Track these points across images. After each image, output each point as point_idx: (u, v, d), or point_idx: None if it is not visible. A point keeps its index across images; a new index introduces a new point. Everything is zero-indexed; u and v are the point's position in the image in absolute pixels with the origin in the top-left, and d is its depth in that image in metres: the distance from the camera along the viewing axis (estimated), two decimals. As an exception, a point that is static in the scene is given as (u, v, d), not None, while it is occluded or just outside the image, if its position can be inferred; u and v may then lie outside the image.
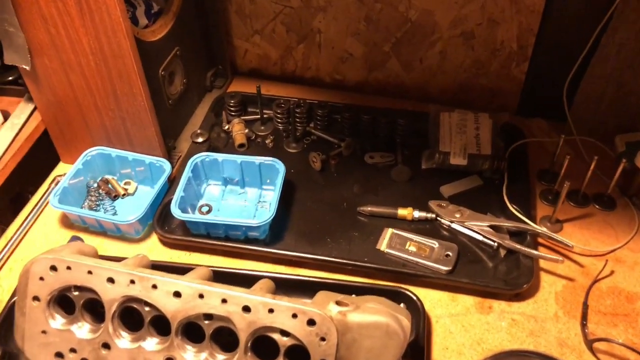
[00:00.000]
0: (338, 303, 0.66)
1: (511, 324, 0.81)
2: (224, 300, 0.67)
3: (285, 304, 0.66)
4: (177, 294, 0.68)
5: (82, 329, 0.71)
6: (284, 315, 0.65)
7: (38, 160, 1.04)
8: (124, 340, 0.70)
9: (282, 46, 1.16)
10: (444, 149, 1.00)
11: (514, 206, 0.92)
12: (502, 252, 0.88)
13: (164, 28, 0.95)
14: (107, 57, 0.83)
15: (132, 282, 0.69)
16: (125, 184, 0.99)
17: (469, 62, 1.08)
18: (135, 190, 0.99)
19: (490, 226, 0.90)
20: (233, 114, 1.10)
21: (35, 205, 0.95)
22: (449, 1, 1.00)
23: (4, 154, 0.94)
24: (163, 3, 0.97)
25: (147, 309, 0.69)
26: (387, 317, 0.65)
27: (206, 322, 0.68)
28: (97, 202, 0.96)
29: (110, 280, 0.69)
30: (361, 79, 1.17)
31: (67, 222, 0.95)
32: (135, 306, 0.70)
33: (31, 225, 0.94)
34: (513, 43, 1.03)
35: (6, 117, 0.98)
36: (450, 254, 0.87)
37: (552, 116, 1.08)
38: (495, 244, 0.88)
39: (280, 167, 0.93)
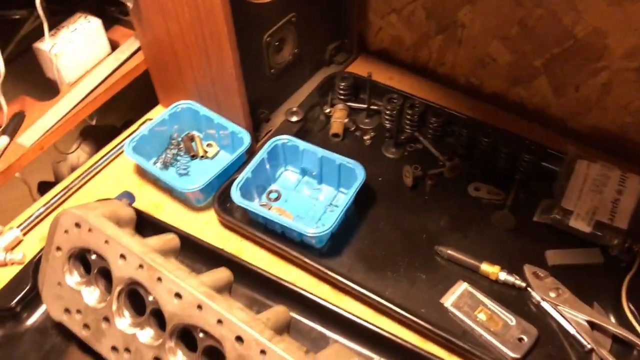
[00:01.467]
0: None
1: None
2: (219, 321, 0.59)
3: (280, 353, 0.56)
4: (178, 296, 0.61)
5: (92, 295, 0.68)
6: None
7: (141, 98, 1.02)
8: (123, 321, 0.66)
9: (419, 32, 1.00)
10: (567, 206, 0.80)
11: (632, 307, 0.71)
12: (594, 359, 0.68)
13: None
14: (201, 13, 0.76)
15: (141, 266, 0.63)
16: (207, 145, 0.94)
17: (638, 106, 0.84)
18: (215, 155, 0.94)
19: (590, 323, 0.70)
20: (340, 97, 0.98)
21: (118, 144, 0.94)
22: (629, 25, 0.77)
23: (99, 84, 0.92)
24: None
25: (150, 298, 0.64)
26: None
27: (201, 335, 0.61)
28: (175, 157, 0.93)
29: (123, 257, 0.64)
30: (500, 90, 0.98)
31: (140, 169, 0.93)
32: (140, 292, 0.65)
33: (108, 163, 0.93)
34: None
35: (114, 47, 0.97)
36: (525, 338, 0.70)
37: None
38: (589, 346, 0.69)
39: (360, 173, 0.81)
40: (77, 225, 0.67)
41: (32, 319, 0.76)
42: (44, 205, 0.86)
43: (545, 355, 0.69)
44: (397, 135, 0.92)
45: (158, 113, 0.96)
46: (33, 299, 0.76)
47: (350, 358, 0.58)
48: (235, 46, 0.78)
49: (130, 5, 0.84)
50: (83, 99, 0.89)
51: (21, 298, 0.76)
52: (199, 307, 0.60)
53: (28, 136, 0.84)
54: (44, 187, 1.11)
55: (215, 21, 0.75)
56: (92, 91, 0.91)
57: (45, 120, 0.86)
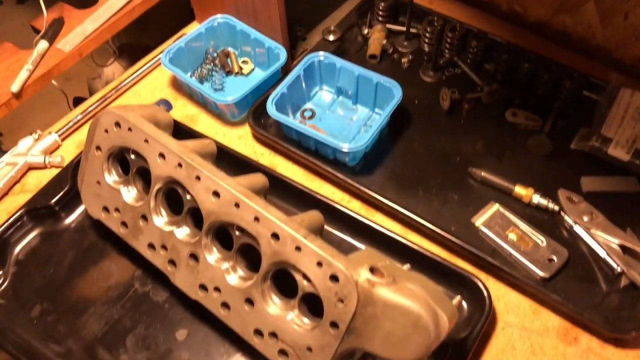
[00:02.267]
0: (372, 270, 0.55)
1: (594, 372, 0.64)
2: (256, 219, 0.60)
3: (314, 248, 0.57)
4: (216, 194, 0.62)
5: (130, 193, 0.70)
6: (308, 259, 0.57)
7: (174, 20, 1.02)
8: (160, 219, 0.67)
9: (464, -45, 0.97)
10: (607, 134, 0.78)
11: (666, 233, 0.70)
12: (623, 282, 0.68)
13: None
14: None
15: (180, 165, 0.64)
16: (242, 62, 0.94)
17: (691, 34, 0.81)
18: (250, 72, 0.93)
19: (622, 246, 0.70)
20: (379, 18, 0.97)
21: (153, 58, 0.94)
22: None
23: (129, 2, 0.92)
24: None
25: (188, 197, 0.65)
26: (422, 307, 0.54)
27: (237, 233, 0.62)
28: (210, 73, 0.93)
29: (162, 156, 0.65)
30: (544, 18, 0.95)
31: (175, 82, 0.93)
32: (178, 190, 0.66)
33: (144, 75, 0.93)
34: None
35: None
36: (555, 259, 0.70)
37: None
38: (619, 268, 0.69)
39: (398, 92, 0.81)
40: (117, 124, 0.68)
41: (71, 219, 0.78)
42: (82, 112, 0.87)
43: (573, 277, 0.70)
44: (436, 59, 0.91)
45: (194, 28, 0.95)
46: (71, 200, 0.79)
47: (382, 260, 0.59)
48: (276, -45, 0.76)
49: None
50: (122, 7, 0.89)
51: (60, 198, 0.78)
52: (237, 205, 0.61)
53: (67, 42, 0.84)
54: (78, 102, 1.13)
55: None
56: (130, 1, 0.90)
57: (85, 27, 0.86)
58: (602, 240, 0.71)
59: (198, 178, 0.63)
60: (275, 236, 0.59)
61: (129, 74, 0.92)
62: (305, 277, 0.58)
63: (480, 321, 0.65)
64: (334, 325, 0.56)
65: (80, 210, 0.79)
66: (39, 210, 0.77)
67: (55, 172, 0.83)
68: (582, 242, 0.73)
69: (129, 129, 0.67)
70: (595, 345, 0.66)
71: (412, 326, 0.54)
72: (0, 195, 0.80)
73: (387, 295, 0.54)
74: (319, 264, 0.56)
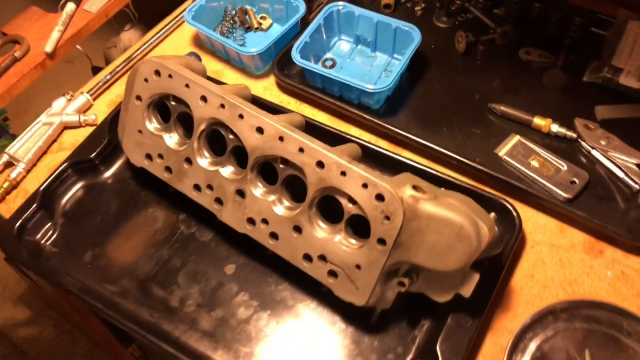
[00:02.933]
0: (415, 188, 0.59)
1: (619, 277, 0.69)
2: (301, 149, 0.63)
3: (358, 171, 0.60)
4: (259, 130, 0.66)
5: (172, 139, 0.73)
6: (354, 182, 0.61)
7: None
8: (204, 160, 0.71)
9: None
10: (618, 64, 0.83)
11: (680, 150, 0.75)
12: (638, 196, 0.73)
13: None
14: None
15: (222, 106, 0.68)
16: (261, 18, 0.97)
17: (693, -35, 0.85)
18: (269, 27, 0.96)
19: (639, 165, 0.75)
20: (390, -29, 1.00)
21: (174, 18, 0.97)
22: None
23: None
24: None
25: (231, 136, 0.69)
26: (463, 217, 0.58)
27: (281, 166, 0.66)
28: (230, 30, 0.95)
29: (203, 98, 0.69)
30: (549, -38, 0.98)
31: (197, 41, 0.96)
32: (221, 131, 0.69)
33: (166, 36, 0.96)
34: None
35: None
36: (577, 181, 0.75)
37: None
38: (637, 186, 0.74)
39: (417, 35, 0.84)
40: (157, 72, 0.71)
41: (111, 171, 0.82)
42: (111, 72, 0.90)
43: (594, 197, 0.74)
44: (448, 6, 0.94)
45: (211, -12, 0.98)
46: (110, 153, 0.82)
47: (421, 181, 0.63)
48: None
49: None
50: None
51: (99, 152, 0.81)
52: (281, 138, 0.64)
53: (93, 3, 0.87)
54: (96, 71, 1.15)
55: None
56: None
57: (109, -12, 0.88)
58: (619, 162, 0.75)
59: (241, 116, 0.67)
60: (320, 164, 0.62)
61: (153, 34, 0.95)
62: (350, 200, 0.62)
63: (511, 240, 0.69)
64: (381, 241, 0.60)
65: (119, 163, 0.82)
66: (81, 164, 0.80)
67: (89, 130, 0.86)
68: (601, 165, 0.77)
69: (169, 76, 0.70)
70: (620, 256, 0.70)
71: (455, 236, 0.58)
72: (40, 153, 0.83)
73: (430, 209, 0.58)
74: (365, 185, 0.60)
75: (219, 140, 0.71)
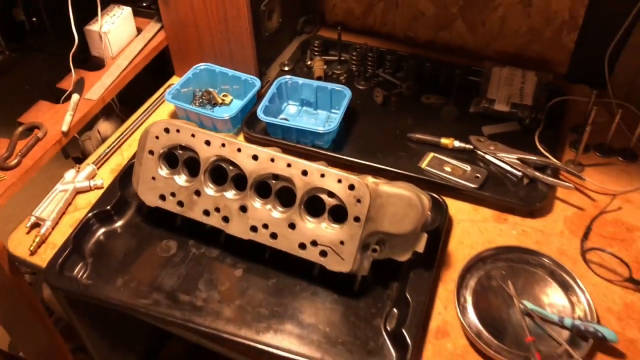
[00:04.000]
0: (374, 177, 0.85)
1: (521, 234, 0.96)
2: (288, 165, 0.88)
3: (334, 171, 0.85)
4: (254, 157, 0.89)
5: (181, 179, 0.94)
6: (331, 180, 0.85)
7: (156, 77, 1.30)
8: (210, 190, 0.92)
9: (365, 3, 1.35)
10: (491, 97, 1.16)
11: (542, 146, 1.07)
12: (526, 180, 1.03)
13: (269, -28, 1.17)
14: (223, -15, 1.06)
15: (223, 145, 0.91)
16: (223, 95, 1.23)
17: (525, 29, 1.23)
18: (230, 102, 1.22)
19: (519, 159, 1.05)
20: (316, 53, 1.31)
21: (153, 102, 1.21)
22: (511, -30, 1.16)
23: (134, 58, 1.19)
24: (271, -48, 1.19)
25: (231, 168, 0.91)
26: (411, 192, 0.84)
27: (273, 181, 0.89)
28: (200, 106, 1.20)
29: (207, 142, 0.92)
30: (430, 37, 1.34)
31: (175, 117, 1.19)
32: (222, 165, 0.92)
33: (148, 117, 1.19)
34: (565, 13, 1.17)
35: (139, 31, 1.24)
36: (479, 176, 1.04)
37: (596, 83, 1.20)
38: (521, 174, 1.04)
39: (347, 93, 1.13)
40: (166, 130, 0.94)
41: (125, 219, 1.00)
42: (109, 147, 1.11)
43: (494, 184, 1.03)
44: (364, 74, 1.26)
45: (176, 81, 1.23)
46: (122, 204, 1.01)
47: (374, 177, 0.89)
48: (249, 8, 1.09)
49: (161, -11, 1.12)
50: (127, 65, 1.16)
51: (114, 204, 1.00)
52: (272, 160, 0.88)
53: (93, 93, 1.09)
54: (78, 161, 1.34)
55: (236, -10, 1.06)
56: (132, 61, 1.17)
57: (103, 81, 1.11)
58: (506, 159, 1.06)
59: (239, 150, 0.90)
60: (304, 172, 0.87)
61: (139, 113, 1.18)
62: (329, 194, 0.86)
63: (443, 219, 0.95)
64: (356, 219, 0.84)
65: (130, 212, 1.01)
66: (101, 214, 0.98)
67: (98, 193, 1.05)
68: (493, 164, 1.07)
69: (177, 131, 0.93)
70: (519, 220, 0.98)
71: (407, 206, 0.83)
72: (60, 213, 1.01)
73: (387, 189, 0.84)
74: (339, 180, 0.85)
75: (219, 175, 0.93)
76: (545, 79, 1.17)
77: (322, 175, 0.86)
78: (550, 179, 1.00)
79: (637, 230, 0.96)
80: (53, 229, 0.99)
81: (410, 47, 1.34)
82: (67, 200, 1.02)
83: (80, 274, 0.93)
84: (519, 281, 0.88)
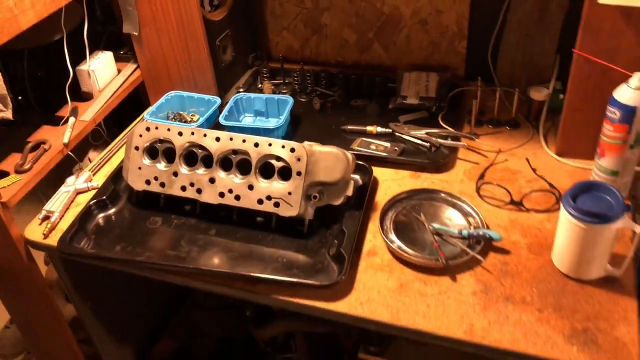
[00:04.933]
0: (307, 141, 1.13)
1: (430, 184, 1.24)
2: (244, 140, 1.15)
3: (278, 140, 1.13)
4: (217, 139, 1.16)
5: (162, 164, 1.20)
6: (277, 147, 1.12)
7: (133, 109, 1.58)
8: (185, 169, 1.18)
9: (302, 38, 1.68)
10: (404, 94, 1.46)
11: (446, 124, 1.37)
12: (433, 148, 1.31)
13: (220, 15, 1.49)
14: (185, 25, 1.37)
15: (192, 133, 1.18)
16: (191, 115, 1.51)
17: (427, 43, 1.56)
18: (198, 120, 1.50)
19: (427, 133, 1.34)
20: (265, 78, 1.61)
21: (134, 125, 1.48)
22: (408, -2, 1.50)
23: (116, 91, 1.47)
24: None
25: (199, 151, 1.18)
26: (337, 150, 1.11)
27: (233, 155, 1.16)
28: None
29: (180, 133, 1.19)
30: (355, 60, 1.66)
31: (153, 135, 1.46)
32: (193, 150, 1.19)
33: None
34: (454, 26, 1.50)
35: (119, 71, 1.53)
36: (397, 149, 1.32)
37: (488, 77, 1.52)
38: (429, 144, 1.32)
39: (290, 99, 1.43)
40: (147, 129, 1.21)
41: (117, 207, 1.25)
42: (101, 158, 1.37)
43: (410, 154, 1.31)
44: (305, 90, 1.56)
45: (149, 109, 1.51)
46: (115, 196, 1.26)
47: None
48: (207, 43, 1.39)
49: (135, 33, 1.42)
50: (112, 95, 1.44)
51: (109, 195, 1.24)
52: (231, 139, 1.15)
53: (86, 115, 1.36)
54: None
55: (195, 28, 1.37)
56: (114, 93, 1.46)
57: (93, 107, 1.39)
58: (418, 135, 1.35)
59: (205, 135, 1.17)
60: (256, 144, 1.14)
61: (122, 136, 1.44)
62: (277, 159, 1.13)
63: (370, 178, 1.23)
64: (298, 173, 1.11)
65: (122, 201, 1.26)
66: (99, 202, 1.23)
67: (92, 192, 1.29)
68: (408, 141, 1.35)
69: (156, 128, 1.20)
70: (428, 175, 1.26)
71: (336, 160, 1.10)
72: (66, 208, 1.24)
73: (320, 148, 1.11)
74: (283, 146, 1.12)
75: (191, 158, 1.19)
76: (444, 77, 1.49)
77: (270, 145, 1.13)
78: (449, 141, 1.29)
79: (519, 173, 1.24)
80: (60, 219, 1.23)
81: (340, 69, 1.65)
82: (70, 198, 1.27)
83: (85, 246, 1.16)
84: (428, 211, 1.15)
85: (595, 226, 0.92)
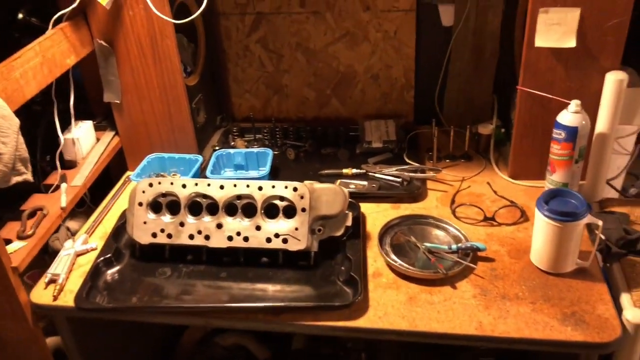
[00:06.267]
0: (308, 181, 1.25)
1: (411, 212, 1.39)
2: (247, 186, 1.25)
3: (280, 182, 1.24)
4: (221, 187, 1.26)
5: (166, 217, 1.27)
6: (280, 188, 1.24)
7: (112, 175, 1.63)
8: (191, 219, 1.26)
9: (264, 99, 1.82)
10: (368, 139, 1.64)
11: (410, 161, 1.54)
12: (405, 182, 1.48)
13: (193, 80, 1.61)
14: (167, 89, 1.47)
15: (196, 184, 1.27)
16: (172, 175, 1.58)
17: (379, 95, 1.76)
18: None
19: (397, 170, 1.51)
20: (236, 137, 1.73)
21: (119, 189, 1.53)
22: (361, 56, 1.70)
23: (99, 158, 1.53)
24: (192, 67, 1.64)
25: (204, 199, 1.26)
26: (336, 186, 1.24)
27: (238, 200, 1.25)
28: (156, 185, 1.54)
29: (184, 185, 1.27)
30: (315, 114, 1.82)
31: (139, 196, 1.52)
32: (197, 199, 1.27)
33: (115, 201, 1.50)
34: (402, 78, 1.71)
35: (98, 139, 1.59)
36: (374, 186, 1.47)
37: (437, 121, 1.72)
38: (400, 179, 1.49)
39: (270, 151, 1.55)
40: (150, 184, 1.27)
41: (123, 263, 1.28)
42: (93, 222, 1.40)
43: (386, 189, 1.47)
44: (276, 144, 1.69)
45: (130, 174, 1.57)
46: (119, 253, 1.30)
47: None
48: (189, 103, 1.50)
49: (118, 101, 1.50)
50: (96, 161, 1.49)
51: (113, 253, 1.28)
52: (235, 185, 1.25)
53: (77, 180, 1.40)
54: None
55: (177, 91, 1.47)
56: (99, 158, 1.51)
57: (82, 173, 1.43)
58: (389, 173, 1.51)
59: (209, 185, 1.26)
60: (260, 188, 1.24)
61: (108, 200, 1.49)
62: (281, 199, 1.23)
63: (358, 212, 1.36)
64: (303, 210, 1.22)
65: (126, 257, 1.30)
66: (105, 260, 1.26)
67: (93, 254, 1.32)
68: (381, 179, 1.51)
69: (159, 183, 1.28)
70: (407, 205, 1.41)
71: (334, 194, 1.23)
72: (69, 270, 1.26)
73: (320, 186, 1.24)
74: (286, 187, 1.23)
75: (195, 207, 1.27)
76: (399, 122, 1.68)
77: (273, 187, 1.24)
78: (419, 174, 1.46)
79: (483, 195, 1.43)
80: (66, 280, 1.24)
81: (302, 124, 1.81)
82: (72, 260, 1.29)
83: (101, 301, 1.18)
84: (418, 233, 1.30)
85: (568, 224, 1.10)
